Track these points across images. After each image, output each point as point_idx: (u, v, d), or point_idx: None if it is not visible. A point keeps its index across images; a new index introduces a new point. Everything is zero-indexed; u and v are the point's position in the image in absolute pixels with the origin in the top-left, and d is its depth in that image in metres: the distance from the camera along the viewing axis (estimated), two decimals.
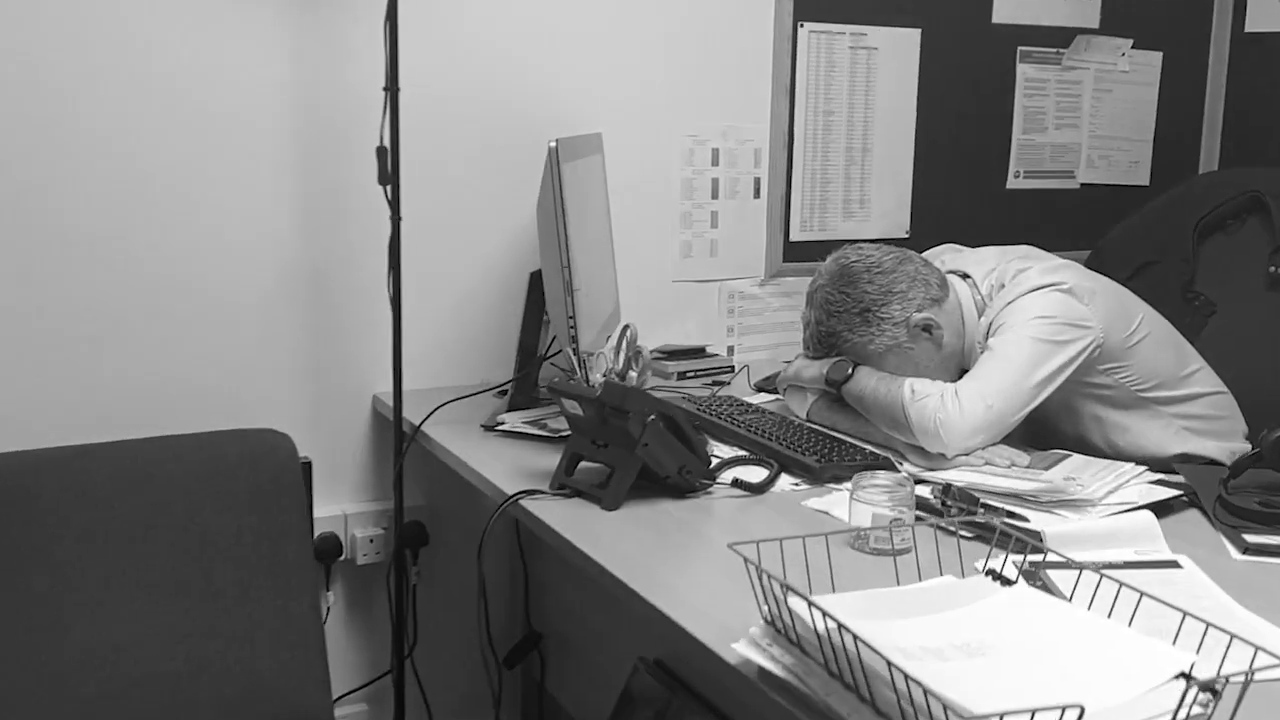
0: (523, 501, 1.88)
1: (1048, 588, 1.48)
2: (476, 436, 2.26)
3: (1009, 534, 1.38)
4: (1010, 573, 1.30)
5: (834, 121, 2.92)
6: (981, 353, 2.16)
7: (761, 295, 2.93)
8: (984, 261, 2.31)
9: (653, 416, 1.82)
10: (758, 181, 2.86)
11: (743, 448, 2.14)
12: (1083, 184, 3.24)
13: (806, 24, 2.84)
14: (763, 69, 2.82)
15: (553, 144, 2.06)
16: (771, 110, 2.84)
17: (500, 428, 2.27)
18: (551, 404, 2.30)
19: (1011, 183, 3.16)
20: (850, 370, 2.18)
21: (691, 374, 2.73)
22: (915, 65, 2.98)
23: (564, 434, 2.08)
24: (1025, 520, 1.74)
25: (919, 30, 2.97)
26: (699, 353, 2.81)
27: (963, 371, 2.22)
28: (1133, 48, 3.22)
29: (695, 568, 1.64)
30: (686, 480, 1.88)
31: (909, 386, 2.07)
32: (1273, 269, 2.70)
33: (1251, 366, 2.58)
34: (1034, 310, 2.11)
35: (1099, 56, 3.19)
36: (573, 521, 1.80)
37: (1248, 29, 3.25)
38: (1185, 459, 2.24)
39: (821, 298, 2.22)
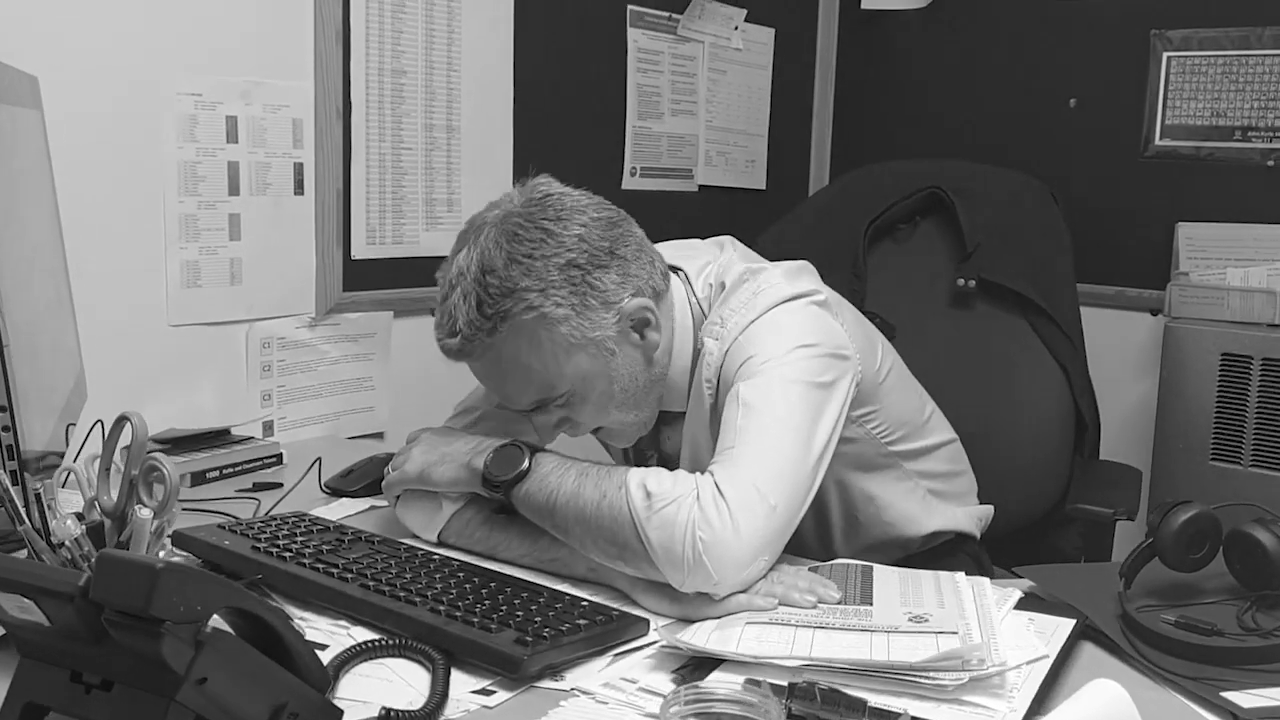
0: None
1: None
2: None
3: None
4: None
5: (407, 86, 2.02)
6: (713, 395, 1.40)
7: (313, 342, 1.95)
8: (696, 254, 1.53)
9: (211, 627, 0.83)
10: (299, 169, 1.89)
11: (359, 619, 1.18)
12: (701, 186, 2.60)
13: None
14: (301, 1, 1.87)
15: None
16: (316, 64, 1.89)
17: None
18: None
19: (628, 182, 2.43)
20: (526, 463, 1.30)
21: (214, 474, 1.70)
22: (510, 15, 2.16)
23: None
24: None
25: None
26: (221, 438, 1.79)
27: (660, 417, 1.47)
28: (746, 20, 2.62)
29: None
30: None
31: (637, 485, 1.24)
32: (961, 281, 2.17)
33: (940, 401, 2.03)
34: (792, 336, 1.36)
35: (712, 27, 2.56)
36: None
37: (864, 6, 2.79)
38: (935, 538, 1.64)
39: (505, 231, 1.31)
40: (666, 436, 1.52)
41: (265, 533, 1.37)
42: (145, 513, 1.04)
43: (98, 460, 1.12)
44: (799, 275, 1.46)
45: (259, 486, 1.67)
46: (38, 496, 1.01)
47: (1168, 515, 1.29)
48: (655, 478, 1.25)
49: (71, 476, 1.10)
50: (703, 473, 1.27)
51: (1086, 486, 1.96)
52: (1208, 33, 2.45)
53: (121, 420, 1.08)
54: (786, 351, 1.34)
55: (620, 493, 1.24)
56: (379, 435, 2.07)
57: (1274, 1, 2.40)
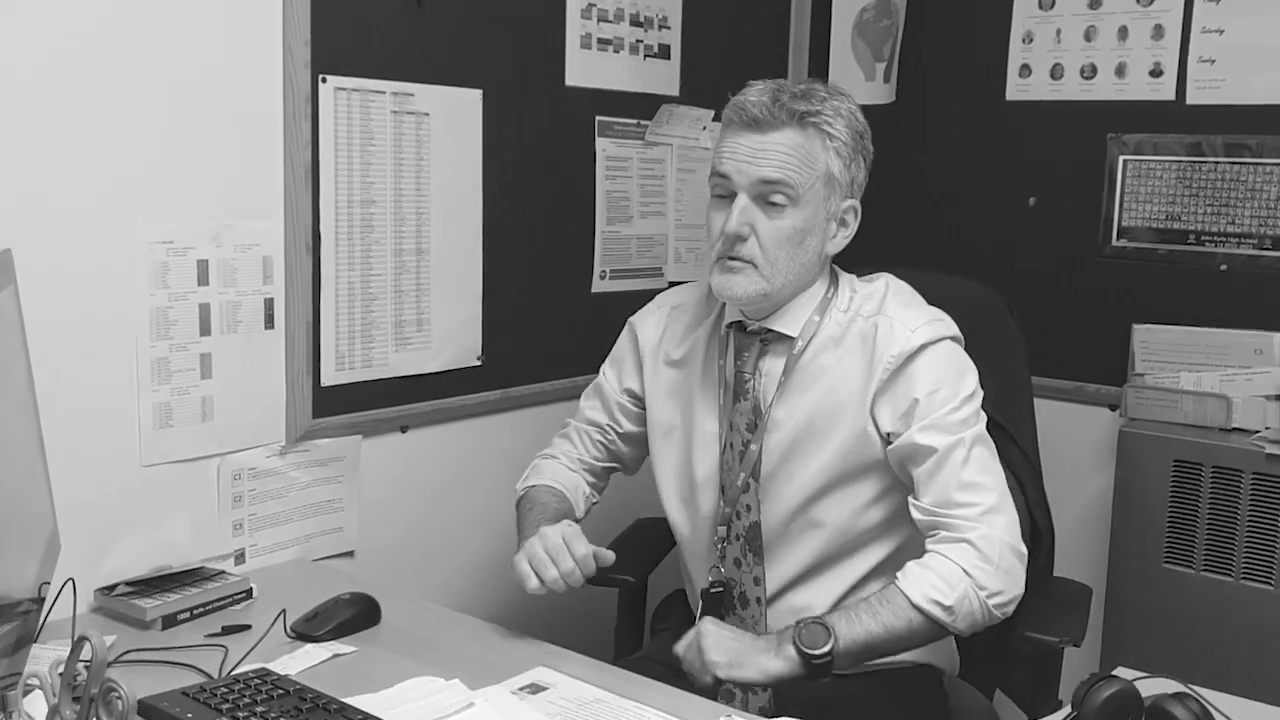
0: None
1: None
2: None
3: None
4: None
5: (376, 215, 2.07)
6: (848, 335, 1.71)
7: (283, 469, 2.01)
8: None
9: None
10: (270, 305, 1.95)
11: None
12: (671, 282, 2.65)
13: (330, 78, 1.97)
14: (270, 142, 1.92)
15: None
16: (286, 202, 1.94)
17: None
18: None
19: (598, 285, 2.49)
20: (830, 633, 1.53)
21: (185, 615, 1.75)
22: (478, 139, 2.21)
23: None
24: None
25: (480, 92, 2.21)
26: (194, 577, 1.84)
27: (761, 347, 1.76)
28: (714, 120, 2.68)
29: None
30: None
31: (930, 604, 1.55)
32: None
33: None
34: (962, 382, 1.67)
35: (680, 130, 2.61)
36: None
37: None
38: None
39: (822, 83, 1.71)
40: (764, 369, 1.71)
41: (228, 700, 1.42)
42: None
43: (62, 666, 1.17)
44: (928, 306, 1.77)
45: (227, 630, 1.71)
46: None
47: (1090, 691, 1.34)
48: (933, 588, 1.54)
49: (35, 691, 1.15)
50: (952, 538, 1.57)
51: (1036, 609, 2.01)
52: (1162, 138, 2.50)
53: (82, 642, 1.13)
54: (963, 401, 1.64)
55: (921, 617, 1.54)
56: (349, 554, 2.12)
57: (1224, 111, 2.45)
